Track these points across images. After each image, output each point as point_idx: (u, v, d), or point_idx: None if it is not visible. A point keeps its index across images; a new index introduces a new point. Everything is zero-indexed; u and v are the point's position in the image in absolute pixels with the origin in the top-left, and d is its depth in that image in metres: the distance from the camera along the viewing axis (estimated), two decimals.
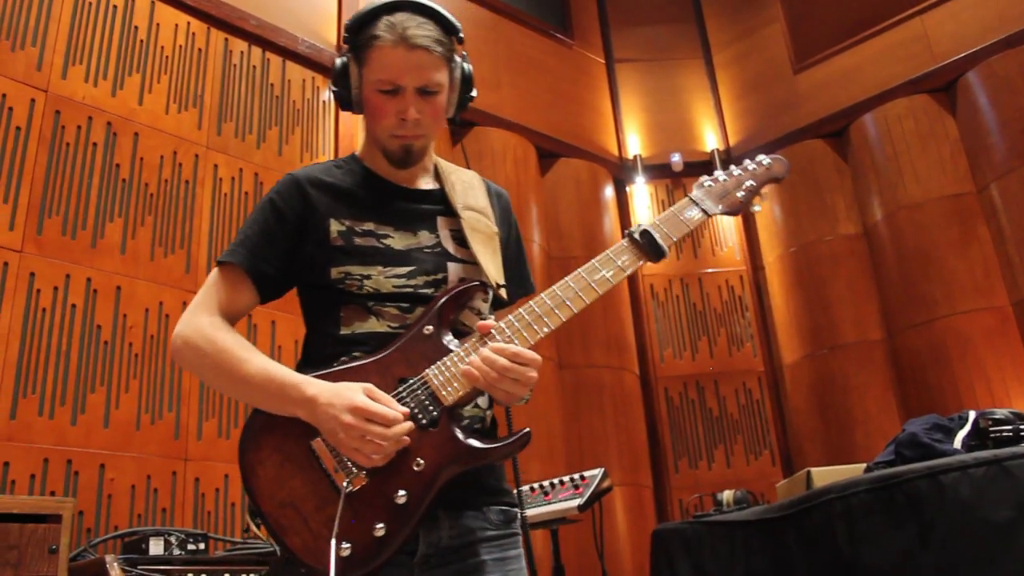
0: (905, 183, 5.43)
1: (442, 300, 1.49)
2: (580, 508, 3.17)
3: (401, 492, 1.34)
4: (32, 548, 2.22)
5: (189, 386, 3.66)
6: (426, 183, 1.68)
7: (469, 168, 1.78)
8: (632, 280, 6.00)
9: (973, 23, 5.35)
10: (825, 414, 5.47)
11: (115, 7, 3.95)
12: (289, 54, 4.63)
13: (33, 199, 3.44)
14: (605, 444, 5.27)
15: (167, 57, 4.09)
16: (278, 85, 4.53)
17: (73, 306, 3.44)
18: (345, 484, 1.34)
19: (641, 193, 6.30)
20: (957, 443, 2.49)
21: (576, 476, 3.34)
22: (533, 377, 1.41)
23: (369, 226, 1.56)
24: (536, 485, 3.45)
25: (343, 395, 1.35)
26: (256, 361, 1.44)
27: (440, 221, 1.62)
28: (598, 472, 3.28)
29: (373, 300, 1.51)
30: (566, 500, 3.22)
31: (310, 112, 4.64)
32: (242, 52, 4.43)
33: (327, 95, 4.76)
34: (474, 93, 1.68)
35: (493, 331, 1.44)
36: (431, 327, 1.47)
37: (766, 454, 5.67)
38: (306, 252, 1.54)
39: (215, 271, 1.57)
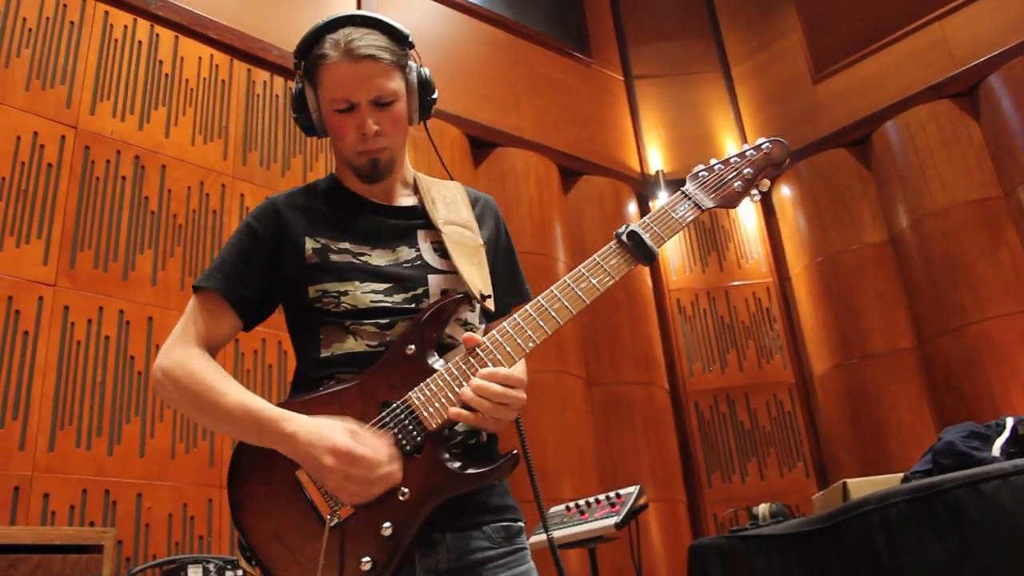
0: (930, 189, 5.39)
1: (423, 318, 1.44)
2: (617, 526, 3.15)
3: (386, 524, 1.31)
4: None
5: None
6: (405, 198, 1.65)
7: (453, 180, 1.73)
8: (659, 295, 5.99)
9: (993, 26, 5.32)
10: (858, 424, 5.41)
11: (140, 42, 4.02)
12: None
13: (66, 234, 3.50)
14: (637, 461, 5.25)
15: (192, 89, 4.16)
16: None
17: (107, 338, 3.48)
18: (329, 516, 1.32)
19: None
20: (996, 450, 2.46)
21: (612, 494, 3.32)
22: (523, 399, 1.36)
23: (345, 245, 1.53)
24: (572, 504, 3.43)
25: (323, 435, 1.30)
26: (234, 394, 1.39)
27: (421, 234, 1.58)
28: (634, 489, 3.26)
29: (350, 318, 1.47)
30: (603, 518, 3.20)
31: None
32: (264, 82, 4.49)
33: None
34: (435, 96, 1.64)
35: (478, 350, 1.39)
36: (413, 346, 1.42)
37: (800, 466, 5.61)
38: (283, 272, 1.52)
39: (193, 299, 1.52)
